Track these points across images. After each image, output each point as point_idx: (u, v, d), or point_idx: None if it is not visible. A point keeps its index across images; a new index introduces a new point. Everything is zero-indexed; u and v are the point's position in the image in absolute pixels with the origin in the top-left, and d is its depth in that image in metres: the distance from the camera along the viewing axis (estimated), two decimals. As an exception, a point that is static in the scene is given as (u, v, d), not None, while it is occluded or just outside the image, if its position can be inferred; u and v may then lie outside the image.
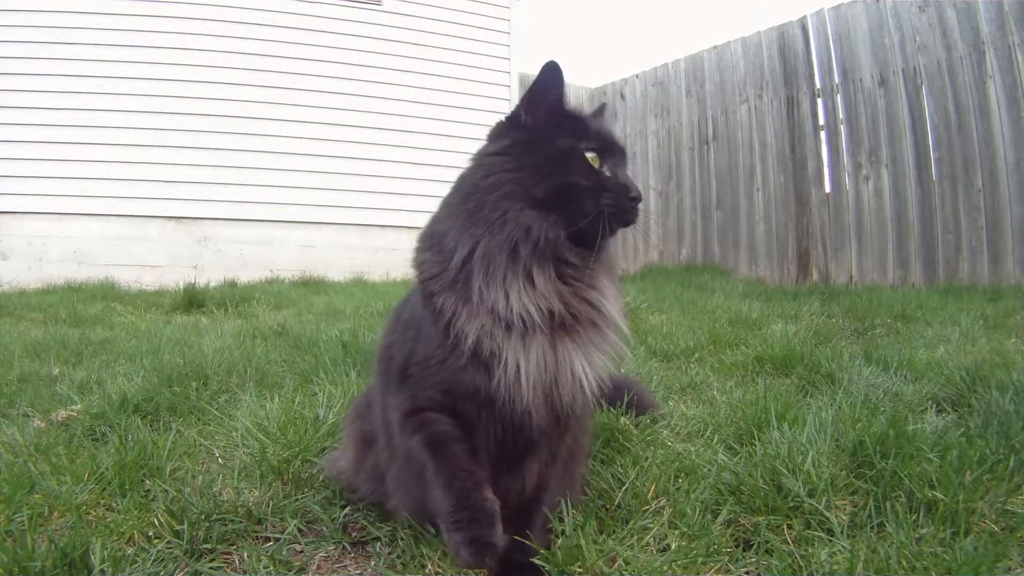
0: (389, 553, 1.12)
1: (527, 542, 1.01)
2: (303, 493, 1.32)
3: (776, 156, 6.29)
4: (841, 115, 5.77)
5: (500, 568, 0.99)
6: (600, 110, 1.25)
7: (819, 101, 5.96)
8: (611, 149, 1.11)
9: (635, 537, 1.09)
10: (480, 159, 1.11)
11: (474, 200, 1.05)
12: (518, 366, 0.99)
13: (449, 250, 1.04)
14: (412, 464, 1.03)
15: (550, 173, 1.04)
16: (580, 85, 8.38)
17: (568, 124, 1.10)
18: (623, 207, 1.06)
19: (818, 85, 5.96)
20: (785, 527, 1.14)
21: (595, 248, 1.05)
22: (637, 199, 1.08)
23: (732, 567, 1.06)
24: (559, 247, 1.03)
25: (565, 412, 1.04)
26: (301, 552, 1.14)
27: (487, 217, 1.02)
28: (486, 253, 1.01)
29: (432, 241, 1.09)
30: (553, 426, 1.06)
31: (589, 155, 1.07)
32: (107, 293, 4.92)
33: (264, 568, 1.06)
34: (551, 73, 1.10)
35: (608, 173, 1.09)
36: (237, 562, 1.10)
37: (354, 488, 1.29)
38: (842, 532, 1.09)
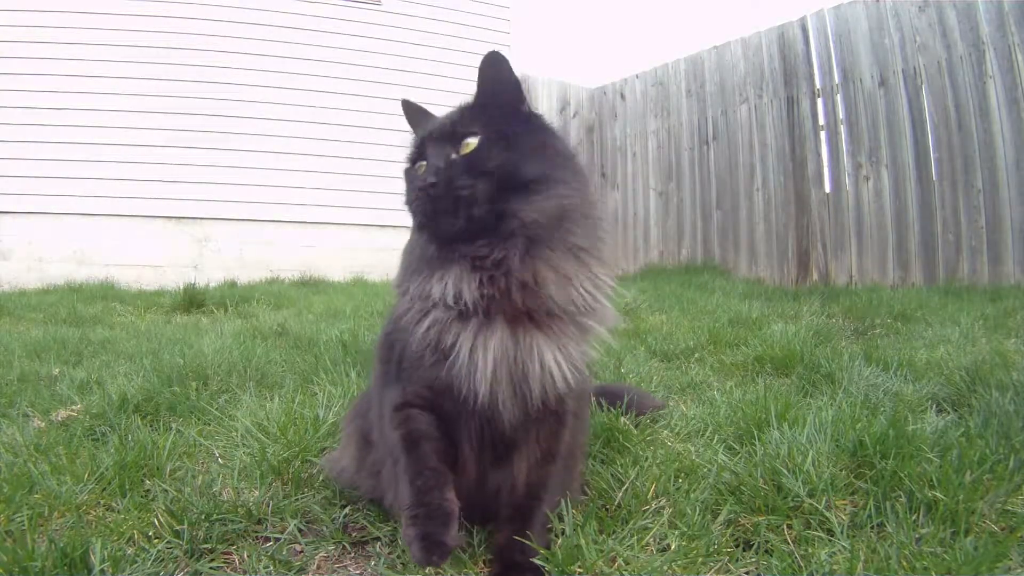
0: (389, 553, 1.12)
1: (527, 542, 1.01)
2: (303, 493, 1.32)
3: (776, 156, 6.29)
4: (841, 115, 5.77)
5: (500, 568, 1.00)
6: (480, 67, 1.10)
7: (819, 101, 5.96)
8: (428, 144, 1.06)
9: (635, 537, 1.09)
10: None
11: None
12: (470, 354, 0.99)
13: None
14: (393, 459, 1.06)
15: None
16: (580, 85, 8.38)
17: (414, 145, 1.11)
18: (420, 201, 1.01)
19: (818, 85, 5.96)
20: (785, 527, 1.13)
21: (457, 240, 1.00)
22: (423, 187, 1.00)
23: (732, 567, 1.06)
24: (434, 255, 1.03)
25: (536, 405, 1.01)
26: (301, 552, 1.14)
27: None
28: (410, 252, 1.10)
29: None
30: (531, 420, 1.04)
31: (412, 166, 1.09)
32: (107, 293, 4.92)
33: (264, 568, 1.06)
34: (407, 106, 1.19)
35: (419, 172, 1.06)
36: (237, 562, 1.10)
37: (355, 486, 1.29)
38: (842, 532, 1.09)
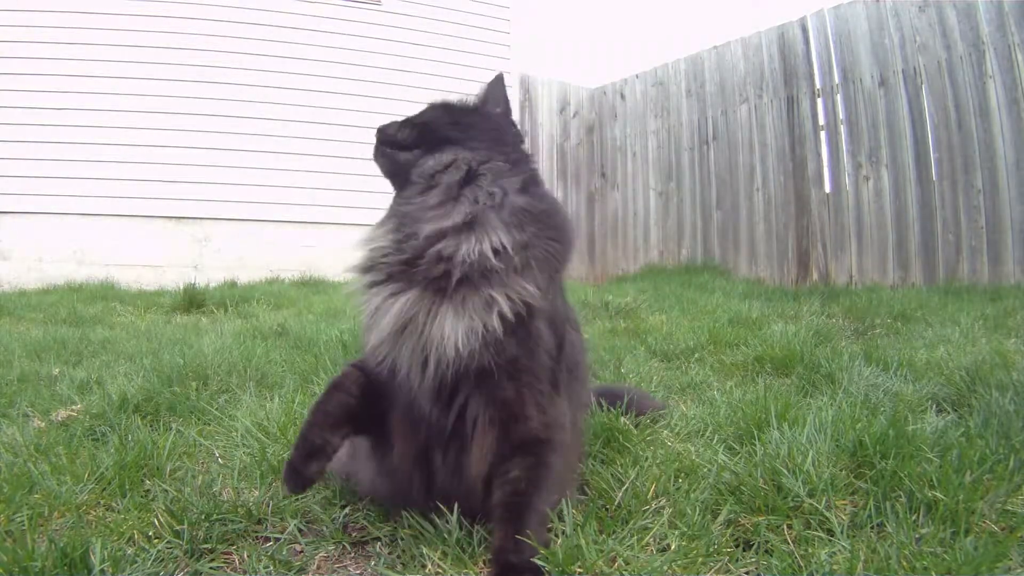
0: (389, 553, 1.12)
1: (526, 540, 0.99)
2: (303, 493, 1.32)
3: (776, 156, 6.29)
4: (841, 115, 5.77)
5: (497, 570, 0.99)
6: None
7: (819, 101, 5.96)
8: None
9: (635, 537, 1.09)
10: None
11: None
12: (373, 312, 1.05)
13: None
14: None
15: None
16: (580, 85, 8.38)
17: None
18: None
19: (818, 85, 5.96)
20: (785, 527, 1.13)
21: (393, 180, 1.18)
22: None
23: (732, 567, 1.06)
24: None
25: (441, 370, 1.01)
26: (301, 552, 1.14)
27: None
28: None
29: None
30: (442, 393, 1.04)
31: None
32: (107, 293, 4.92)
33: (264, 568, 1.06)
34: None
35: None
36: (237, 562, 1.10)
37: (350, 474, 1.32)
38: (842, 532, 1.09)
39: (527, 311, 1.02)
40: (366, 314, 1.07)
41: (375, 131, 1.23)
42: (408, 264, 1.05)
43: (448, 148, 1.13)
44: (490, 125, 1.20)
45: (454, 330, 0.99)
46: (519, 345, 1.03)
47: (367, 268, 1.09)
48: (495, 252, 1.01)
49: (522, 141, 1.23)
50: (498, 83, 1.27)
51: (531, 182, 1.14)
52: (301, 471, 1.03)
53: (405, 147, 1.18)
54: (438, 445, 1.09)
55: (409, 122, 1.20)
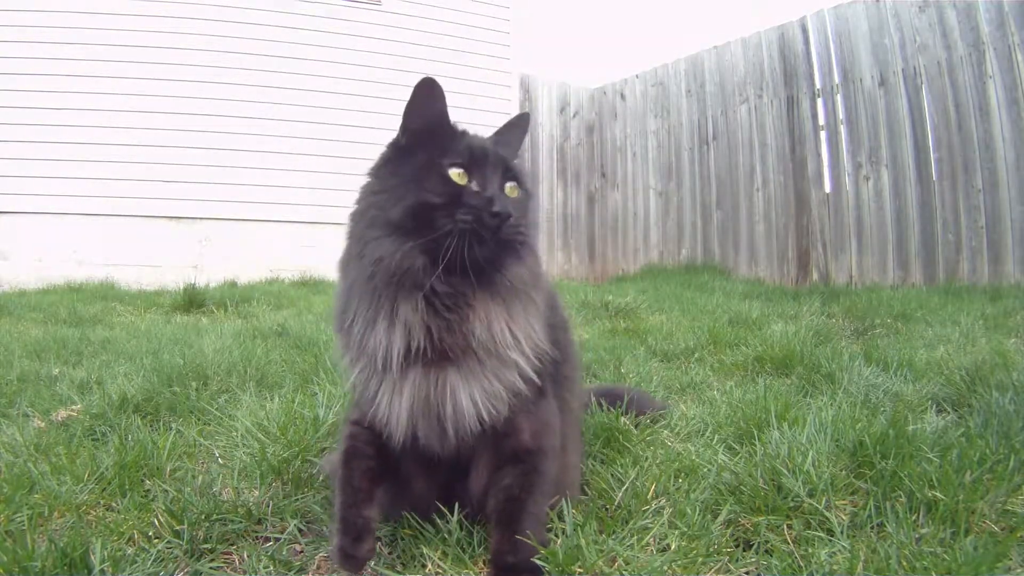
0: (389, 553, 1.12)
1: (525, 540, 1.00)
2: (303, 493, 1.32)
3: (776, 156, 6.29)
4: (841, 115, 5.77)
5: (494, 571, 1.00)
6: (513, 122, 1.18)
7: (819, 101, 5.96)
8: (483, 162, 1.02)
9: (635, 537, 1.09)
10: (363, 184, 1.09)
11: (349, 230, 1.06)
12: (390, 405, 1.01)
13: (339, 286, 1.08)
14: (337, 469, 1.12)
15: (405, 192, 1.00)
16: (580, 85, 8.38)
17: (439, 140, 1.05)
18: (483, 223, 0.96)
19: (818, 85, 5.96)
20: (785, 527, 1.13)
21: (468, 274, 0.98)
22: (499, 215, 0.97)
23: (732, 567, 1.06)
24: (419, 275, 0.97)
25: (459, 439, 1.03)
26: (301, 552, 1.14)
27: (354, 249, 1.03)
28: (353, 289, 1.03)
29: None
30: (469, 445, 1.06)
31: (453, 171, 1.00)
32: (107, 293, 4.92)
33: (264, 568, 1.06)
34: (426, 88, 1.05)
35: (475, 188, 1.01)
36: (237, 562, 1.10)
37: (393, 509, 1.29)
38: (842, 532, 1.09)
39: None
40: (368, 392, 1.05)
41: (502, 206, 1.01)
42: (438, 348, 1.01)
43: (524, 254, 1.06)
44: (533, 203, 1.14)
45: (466, 403, 1.00)
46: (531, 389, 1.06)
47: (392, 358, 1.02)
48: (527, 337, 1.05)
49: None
50: (523, 123, 1.18)
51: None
52: (356, 556, 1.00)
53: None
54: (455, 479, 1.12)
55: (520, 214, 1.05)
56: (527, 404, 1.07)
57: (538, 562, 0.99)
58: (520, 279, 1.04)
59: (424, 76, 1.04)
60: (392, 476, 1.12)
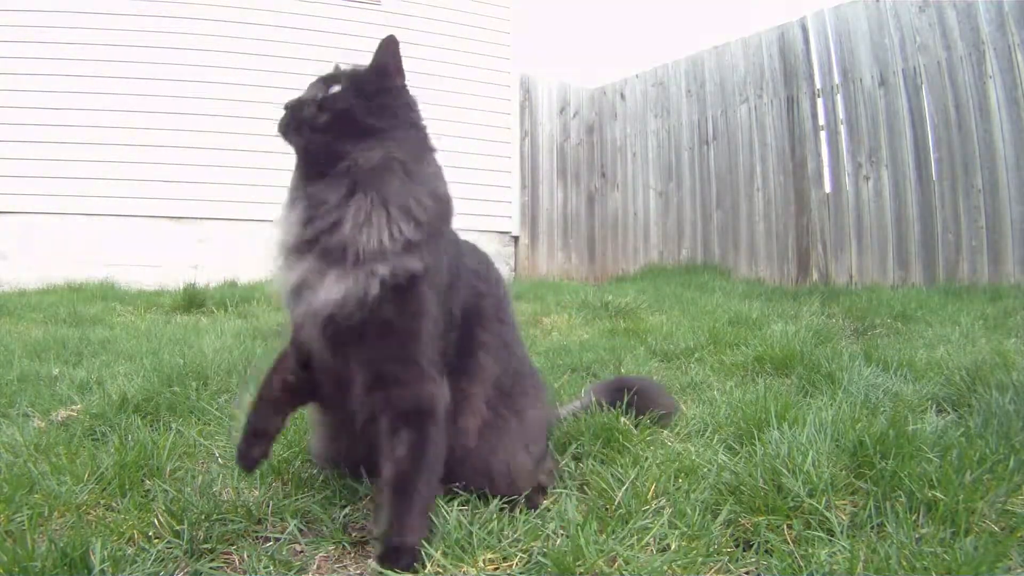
0: (389, 553, 1.11)
1: (411, 524, 1.05)
2: (303, 493, 1.32)
3: (776, 156, 6.29)
4: (841, 115, 5.77)
5: (381, 549, 1.05)
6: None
7: (819, 101, 5.96)
8: (313, 84, 1.25)
9: (635, 537, 1.09)
10: None
11: None
12: (282, 273, 1.16)
13: None
14: None
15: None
16: (580, 85, 8.38)
17: None
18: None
19: (818, 85, 5.96)
20: (785, 527, 1.14)
21: (322, 164, 1.13)
22: (286, 107, 1.21)
23: (732, 567, 1.06)
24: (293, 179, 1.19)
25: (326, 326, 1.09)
26: (301, 552, 1.14)
27: None
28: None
29: None
30: (338, 350, 1.12)
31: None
32: (107, 293, 4.92)
33: (264, 568, 1.06)
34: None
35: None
36: (237, 562, 1.10)
37: (327, 459, 1.37)
38: (842, 532, 1.09)
39: (408, 281, 1.08)
40: (281, 287, 1.16)
41: (286, 107, 1.23)
42: (313, 243, 1.11)
43: (372, 140, 1.13)
44: (400, 103, 1.22)
45: (335, 290, 1.07)
46: (397, 309, 1.08)
47: (282, 252, 1.17)
48: (392, 239, 1.08)
49: (415, 107, 1.25)
50: (391, 45, 1.25)
51: (430, 158, 1.21)
52: (246, 454, 1.18)
53: (322, 131, 1.16)
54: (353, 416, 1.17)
55: (326, 106, 1.18)
56: (418, 359, 1.10)
57: (421, 544, 1.05)
58: (366, 162, 1.11)
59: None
60: (311, 395, 1.24)
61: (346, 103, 1.16)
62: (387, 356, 1.10)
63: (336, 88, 1.19)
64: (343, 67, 1.27)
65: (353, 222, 1.07)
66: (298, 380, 1.22)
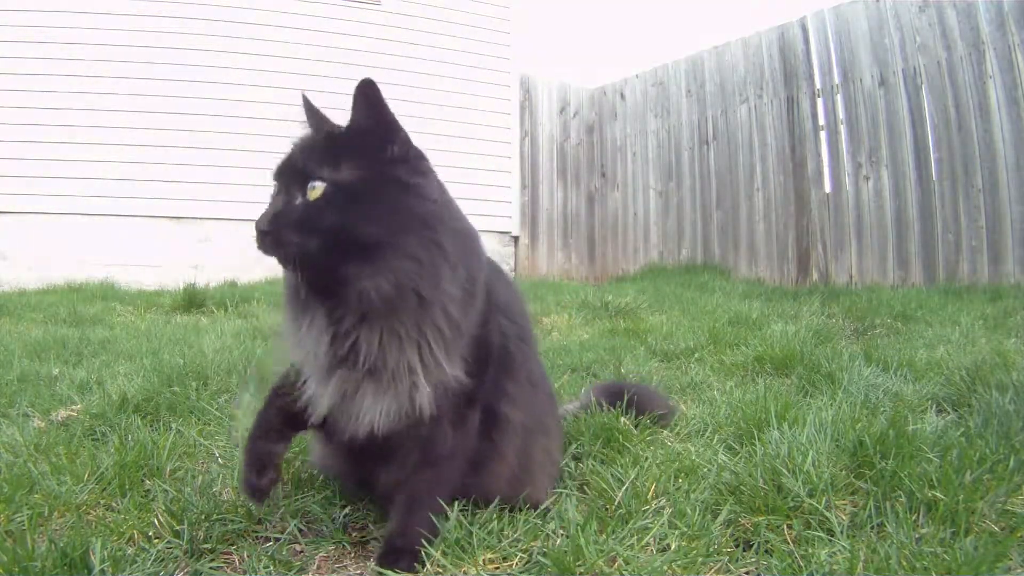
0: (389, 553, 1.12)
1: (416, 529, 1.08)
2: (303, 493, 1.32)
3: (776, 156, 6.29)
4: (841, 115, 5.77)
5: (384, 548, 1.07)
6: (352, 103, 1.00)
7: (819, 101, 5.96)
8: (280, 174, 1.02)
9: (635, 537, 1.09)
10: None
11: None
12: (313, 395, 1.07)
13: None
14: None
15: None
16: (580, 85, 8.38)
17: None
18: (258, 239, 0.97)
19: (818, 85, 5.96)
20: (785, 527, 1.14)
21: (314, 291, 1.00)
22: (258, 230, 0.96)
23: (732, 567, 1.06)
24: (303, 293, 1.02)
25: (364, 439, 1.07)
26: (301, 552, 1.14)
27: None
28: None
29: None
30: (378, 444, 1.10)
31: (273, 188, 1.03)
32: (107, 293, 4.92)
33: (264, 568, 1.06)
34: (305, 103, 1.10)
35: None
36: (237, 562, 1.10)
37: (326, 466, 1.37)
38: (842, 532, 1.09)
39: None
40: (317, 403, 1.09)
41: (258, 228, 0.96)
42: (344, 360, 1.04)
43: (378, 259, 0.94)
44: (405, 184, 0.98)
45: (375, 409, 1.04)
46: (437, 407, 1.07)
47: (309, 370, 1.08)
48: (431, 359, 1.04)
49: (425, 172, 1.03)
50: (371, 90, 0.98)
51: (451, 235, 1.01)
52: (256, 486, 1.10)
53: (314, 258, 0.95)
54: (374, 464, 1.19)
55: (309, 224, 0.94)
56: (442, 418, 1.09)
57: (423, 547, 1.06)
58: (369, 295, 0.95)
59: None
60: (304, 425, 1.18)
61: (336, 215, 0.93)
62: (418, 458, 1.12)
63: (317, 187, 0.94)
64: (313, 132, 1.04)
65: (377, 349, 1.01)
66: (299, 411, 1.13)
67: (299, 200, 0.97)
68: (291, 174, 0.99)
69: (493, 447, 1.20)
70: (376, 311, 0.97)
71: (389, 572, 1.00)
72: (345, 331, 1.00)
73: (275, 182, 1.02)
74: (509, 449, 1.22)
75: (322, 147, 1.00)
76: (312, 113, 1.09)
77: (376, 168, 0.98)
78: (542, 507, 1.24)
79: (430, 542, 1.06)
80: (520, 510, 1.22)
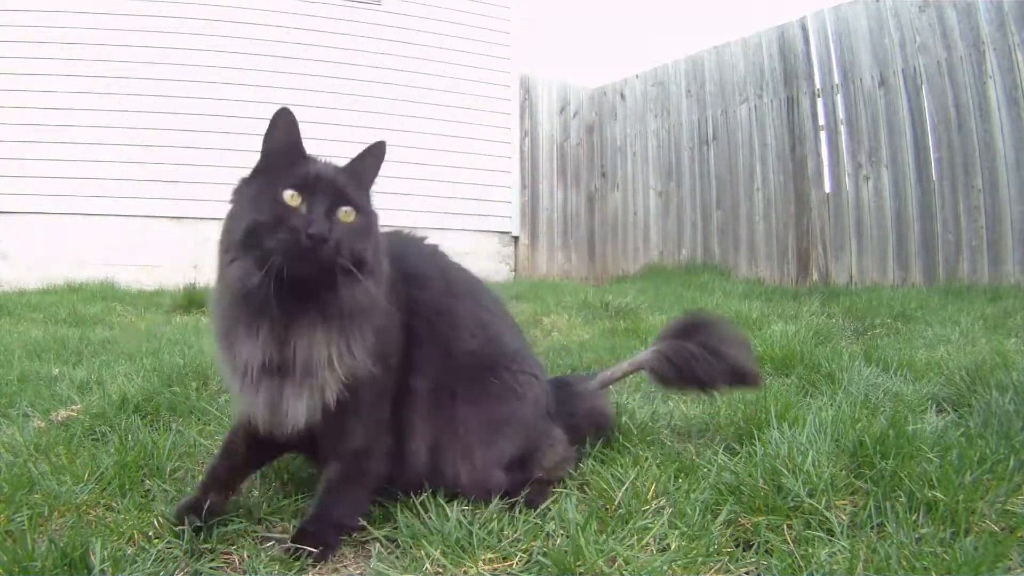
0: (389, 553, 1.12)
1: (329, 518, 1.15)
2: (303, 493, 1.32)
3: (776, 156, 6.29)
4: (841, 115, 5.77)
5: (295, 533, 1.13)
6: (369, 150, 1.19)
7: (819, 101, 5.96)
8: (315, 187, 1.06)
9: (635, 537, 1.09)
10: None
11: (217, 250, 1.13)
12: (251, 405, 1.12)
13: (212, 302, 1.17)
14: None
15: (246, 213, 1.07)
16: (580, 85, 8.38)
17: (286, 165, 1.10)
18: (300, 243, 1.00)
19: (818, 85, 5.96)
20: (785, 527, 1.14)
21: (296, 294, 1.04)
22: (313, 236, 1.00)
23: (732, 567, 1.06)
24: (261, 297, 1.03)
25: (297, 435, 1.14)
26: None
27: (217, 270, 1.12)
28: (218, 309, 1.12)
29: None
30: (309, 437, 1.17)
31: (287, 193, 1.05)
32: (107, 293, 4.92)
33: (264, 568, 1.06)
34: (281, 117, 1.13)
35: (304, 211, 1.04)
36: (237, 562, 1.10)
37: None
38: (842, 532, 1.09)
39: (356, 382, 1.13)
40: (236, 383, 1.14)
41: (319, 229, 1.02)
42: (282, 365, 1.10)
43: (364, 275, 1.10)
44: (376, 227, 1.17)
45: (297, 409, 1.11)
46: (350, 402, 1.14)
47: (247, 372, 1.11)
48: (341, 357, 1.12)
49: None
50: (378, 151, 1.20)
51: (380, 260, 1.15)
52: (185, 516, 1.14)
53: (338, 274, 1.07)
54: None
55: (348, 247, 1.07)
56: (357, 412, 1.16)
57: (339, 538, 1.14)
58: (352, 302, 1.08)
59: (281, 107, 1.13)
60: (256, 466, 1.30)
61: (360, 240, 1.09)
62: (338, 434, 1.19)
63: (350, 212, 1.09)
64: (328, 167, 1.14)
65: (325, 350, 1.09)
66: (244, 463, 1.25)
67: (336, 219, 1.08)
68: (331, 193, 1.08)
69: (408, 423, 1.25)
70: (342, 315, 1.09)
71: (300, 551, 1.08)
72: (289, 338, 1.07)
73: (305, 193, 1.06)
74: (422, 423, 1.25)
75: (349, 174, 1.15)
76: (295, 128, 1.16)
77: (367, 201, 1.16)
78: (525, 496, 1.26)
79: (346, 533, 1.16)
80: (457, 484, 1.24)
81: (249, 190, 1.11)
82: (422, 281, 1.29)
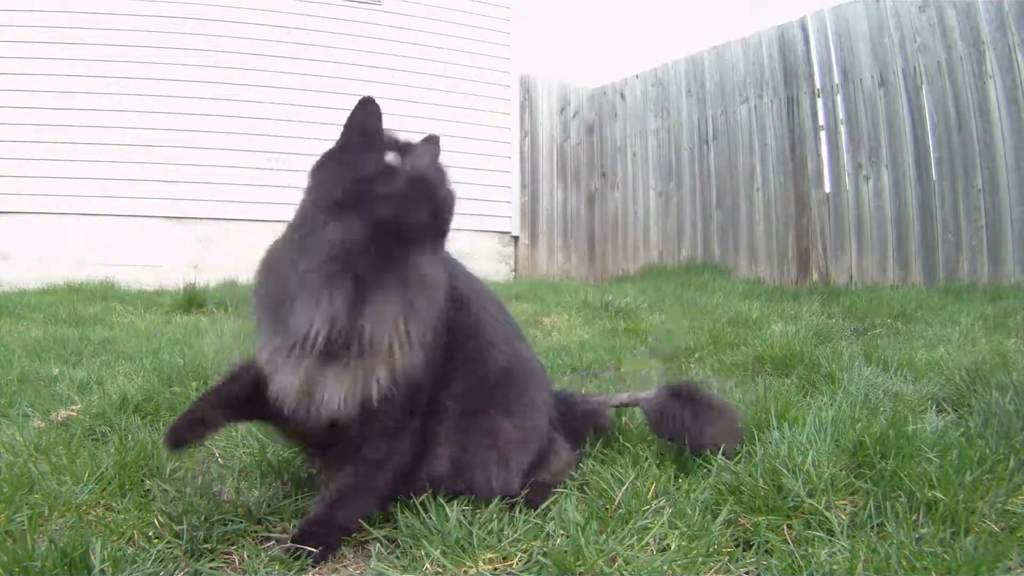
0: (389, 553, 1.12)
1: (333, 520, 1.13)
2: (303, 493, 1.32)
3: (776, 156, 6.29)
4: (841, 115, 5.77)
5: (296, 531, 1.12)
6: (428, 139, 1.17)
7: (819, 101, 5.96)
8: (410, 151, 1.08)
9: (635, 537, 1.09)
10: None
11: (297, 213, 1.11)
12: (285, 380, 1.08)
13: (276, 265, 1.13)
14: None
15: (344, 172, 1.04)
16: (580, 85, 8.38)
17: (375, 141, 1.08)
18: (415, 183, 1.00)
19: (818, 85, 5.96)
20: (785, 527, 1.14)
21: (391, 254, 1.01)
22: (427, 178, 1.02)
23: (732, 567, 1.06)
24: (354, 257, 0.99)
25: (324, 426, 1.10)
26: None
27: (296, 231, 1.08)
28: (270, 281, 1.10)
29: None
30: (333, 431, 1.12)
31: (389, 155, 1.05)
32: (107, 293, 4.92)
33: (264, 568, 1.06)
34: (367, 105, 1.11)
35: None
36: (237, 562, 1.10)
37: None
38: (842, 532, 1.09)
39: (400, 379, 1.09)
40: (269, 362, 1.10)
41: (416, 179, 1.02)
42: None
43: (437, 251, 1.13)
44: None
45: (334, 396, 1.07)
46: (388, 401, 1.10)
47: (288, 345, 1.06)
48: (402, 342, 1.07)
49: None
50: (435, 141, 1.17)
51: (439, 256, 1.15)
52: (182, 434, 1.13)
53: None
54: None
55: (445, 208, 1.08)
56: (392, 416, 1.13)
57: (340, 539, 1.13)
58: (428, 278, 1.07)
59: (365, 95, 1.11)
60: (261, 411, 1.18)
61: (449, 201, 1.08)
62: (364, 436, 1.15)
63: (446, 176, 1.09)
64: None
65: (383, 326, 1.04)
66: (248, 401, 1.18)
67: None
68: (431, 160, 1.12)
69: (432, 435, 1.23)
70: (415, 290, 1.06)
71: (300, 550, 1.07)
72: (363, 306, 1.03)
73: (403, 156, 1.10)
74: (446, 432, 1.24)
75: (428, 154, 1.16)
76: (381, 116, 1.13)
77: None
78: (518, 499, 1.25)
79: (346, 536, 1.14)
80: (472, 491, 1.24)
81: (344, 158, 1.08)
82: (459, 301, 1.27)
